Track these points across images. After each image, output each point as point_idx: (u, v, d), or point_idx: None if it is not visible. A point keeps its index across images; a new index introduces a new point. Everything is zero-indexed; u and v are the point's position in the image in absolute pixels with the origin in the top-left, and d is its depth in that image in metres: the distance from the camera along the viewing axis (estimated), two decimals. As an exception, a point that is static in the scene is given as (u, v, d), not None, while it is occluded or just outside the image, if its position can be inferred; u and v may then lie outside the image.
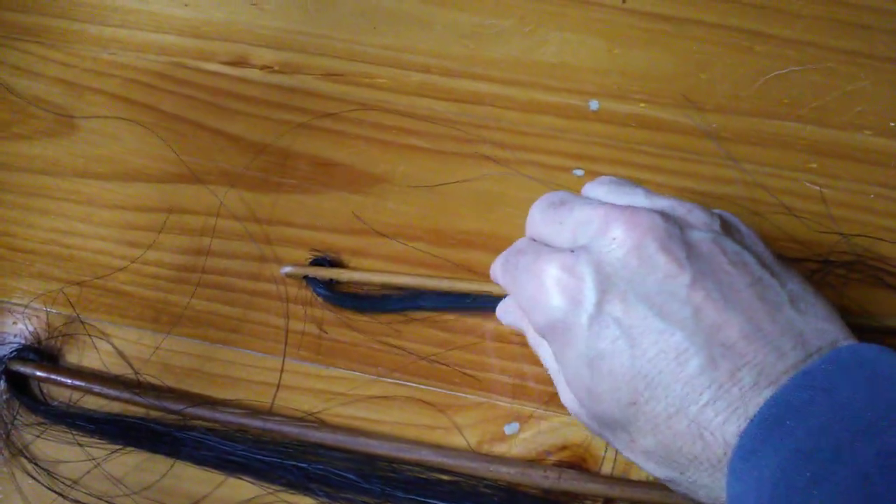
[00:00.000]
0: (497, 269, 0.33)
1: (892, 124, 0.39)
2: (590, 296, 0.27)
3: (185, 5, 0.43)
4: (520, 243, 0.32)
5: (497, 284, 0.34)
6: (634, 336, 0.26)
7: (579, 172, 0.40)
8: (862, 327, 0.35)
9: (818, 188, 0.39)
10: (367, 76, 0.42)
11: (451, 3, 0.42)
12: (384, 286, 0.40)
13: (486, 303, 0.38)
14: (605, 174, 0.39)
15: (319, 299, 0.40)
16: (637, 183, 0.31)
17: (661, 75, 0.40)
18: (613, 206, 0.29)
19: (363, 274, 0.40)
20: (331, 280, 0.40)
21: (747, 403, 0.24)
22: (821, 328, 0.26)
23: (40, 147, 0.43)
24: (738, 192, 0.39)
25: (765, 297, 0.26)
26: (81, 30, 0.44)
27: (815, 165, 0.39)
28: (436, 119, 0.41)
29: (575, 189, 0.39)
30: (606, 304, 0.27)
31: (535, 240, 0.32)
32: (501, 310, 0.36)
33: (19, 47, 0.44)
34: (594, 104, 0.40)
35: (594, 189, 0.32)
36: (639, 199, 0.30)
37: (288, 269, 0.40)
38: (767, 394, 0.24)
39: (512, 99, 0.41)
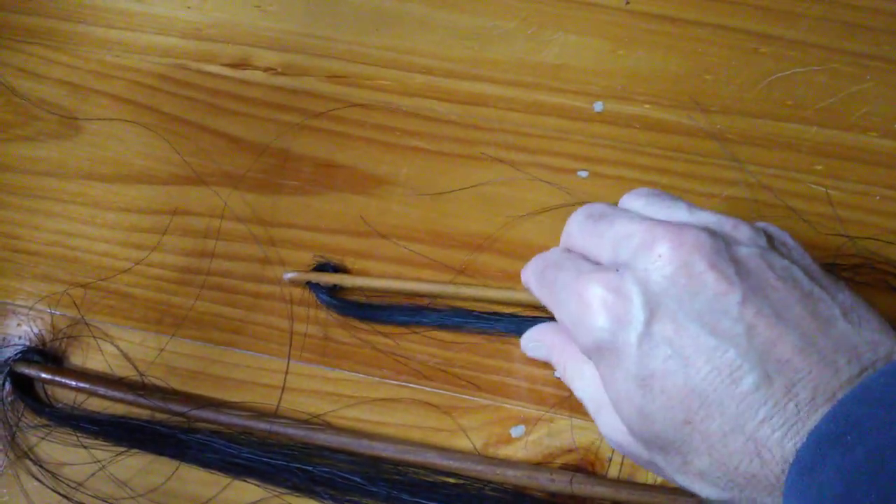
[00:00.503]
0: (531, 281, 0.33)
1: (898, 125, 0.39)
2: (638, 315, 0.26)
3: (189, 7, 0.43)
4: (554, 255, 0.32)
5: (504, 290, 0.34)
6: (687, 354, 0.26)
7: (584, 174, 0.40)
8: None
9: (824, 190, 0.38)
10: (369, 78, 0.42)
11: (453, 4, 0.42)
12: (388, 291, 0.40)
13: (491, 324, 0.38)
14: (611, 175, 0.40)
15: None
16: (677, 196, 0.31)
17: (665, 77, 0.40)
18: (656, 221, 0.28)
19: (367, 280, 0.40)
20: (334, 286, 0.40)
21: (804, 419, 0.24)
22: (875, 340, 0.26)
23: (45, 149, 0.43)
24: (743, 193, 0.39)
25: (816, 311, 0.26)
26: (86, 32, 0.44)
27: (820, 167, 0.39)
28: (439, 120, 0.41)
29: (581, 190, 0.40)
30: (656, 324, 0.26)
31: (570, 251, 0.32)
32: (530, 345, 0.36)
33: (24, 49, 0.44)
34: (599, 105, 0.40)
35: (632, 201, 0.31)
36: (681, 212, 0.29)
37: (291, 275, 0.40)
38: (824, 410, 0.24)
39: (516, 100, 0.41)
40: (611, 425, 0.30)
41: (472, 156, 0.41)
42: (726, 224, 0.29)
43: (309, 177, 0.42)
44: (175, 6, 0.44)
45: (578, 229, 0.31)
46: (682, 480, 0.28)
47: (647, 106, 0.40)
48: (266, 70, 0.43)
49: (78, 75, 0.44)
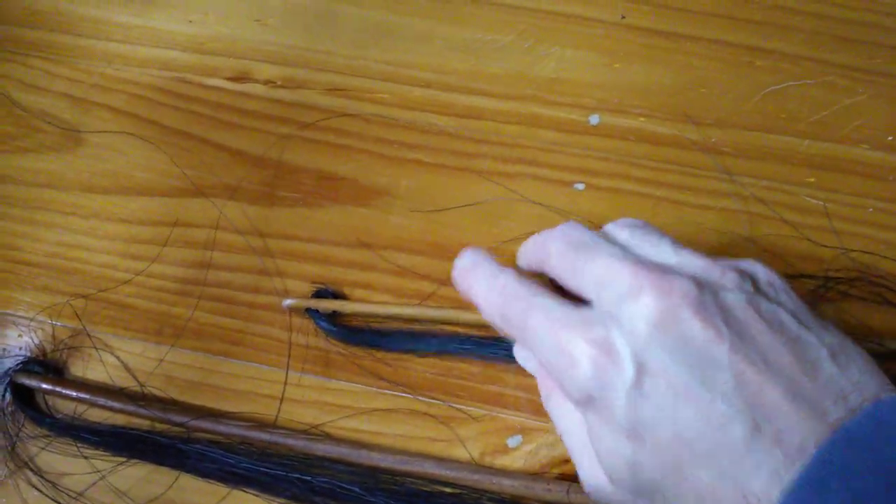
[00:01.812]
0: (492, 316, 0.31)
1: (890, 138, 0.39)
2: (628, 369, 0.26)
3: (189, 21, 0.44)
4: (512, 284, 0.30)
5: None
6: (677, 406, 0.25)
7: (580, 186, 0.40)
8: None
9: (819, 202, 0.39)
10: (369, 91, 0.42)
11: (451, 19, 0.42)
12: (388, 317, 0.40)
13: (492, 351, 0.38)
14: (607, 187, 0.40)
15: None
16: (662, 231, 0.30)
17: (660, 90, 0.41)
18: (641, 264, 0.27)
19: (366, 305, 0.40)
20: (333, 312, 0.40)
21: (792, 466, 0.24)
22: (861, 381, 0.26)
23: (46, 161, 0.44)
24: (737, 205, 0.39)
25: (804, 355, 0.26)
26: (88, 45, 0.44)
27: (813, 179, 0.39)
28: (437, 133, 0.42)
29: (576, 205, 0.40)
30: (645, 376, 0.26)
31: (528, 277, 0.30)
32: (521, 354, 0.35)
33: (26, 62, 0.45)
34: (594, 118, 0.41)
35: (616, 231, 0.31)
36: (665, 251, 0.29)
37: (290, 302, 0.40)
38: (811, 455, 0.24)
39: (512, 113, 0.41)
40: (592, 472, 0.29)
41: (470, 168, 0.41)
42: (712, 270, 0.28)
43: (309, 189, 0.42)
44: (176, 20, 0.44)
45: (558, 258, 0.30)
46: None
47: (642, 119, 0.40)
48: (266, 83, 0.43)
49: (79, 88, 0.44)
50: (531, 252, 0.32)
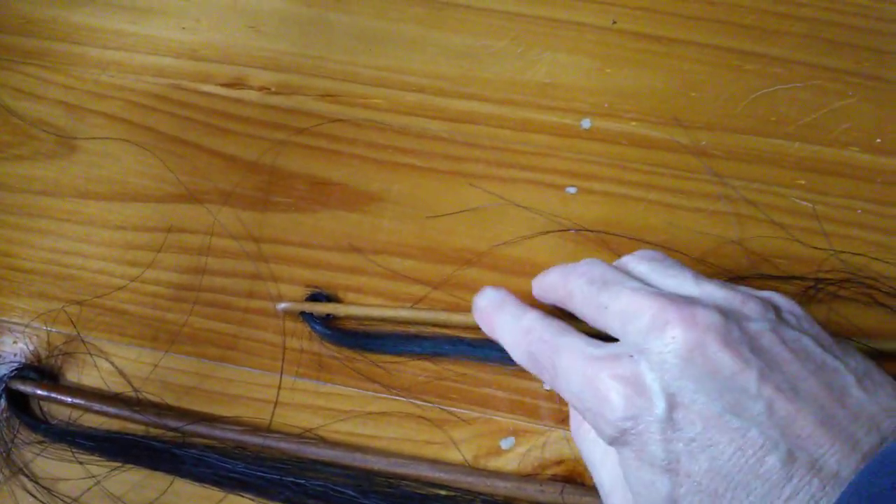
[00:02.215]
0: (518, 355, 0.31)
1: (879, 141, 0.39)
2: (659, 404, 0.26)
3: (183, 28, 0.44)
4: (537, 325, 0.30)
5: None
6: (710, 437, 0.25)
7: (572, 190, 0.40)
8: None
9: (809, 205, 0.39)
10: (362, 97, 0.43)
11: (444, 24, 0.43)
12: (382, 320, 0.40)
13: (485, 352, 0.38)
14: (599, 191, 0.40)
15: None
16: (682, 263, 0.31)
17: (651, 94, 0.41)
18: (666, 298, 0.28)
19: (360, 308, 0.40)
20: (328, 315, 0.40)
21: (828, 494, 0.24)
22: (891, 406, 0.26)
23: (41, 168, 0.44)
24: (727, 208, 0.39)
25: (831, 382, 0.26)
26: (82, 53, 0.45)
27: (803, 182, 0.39)
28: (430, 138, 0.42)
29: (568, 209, 0.40)
30: (677, 409, 0.26)
31: (550, 315, 0.30)
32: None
33: (21, 70, 0.45)
34: (586, 123, 0.41)
35: (635, 264, 0.31)
36: (687, 283, 0.29)
37: (284, 306, 0.41)
38: (847, 483, 0.24)
39: (505, 118, 0.42)
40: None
41: (462, 172, 0.41)
42: (735, 299, 0.28)
43: (302, 194, 0.42)
44: (170, 27, 0.44)
45: (581, 296, 0.30)
46: None
47: (633, 123, 0.41)
48: (260, 89, 0.43)
49: (74, 95, 0.44)
50: (551, 289, 0.32)
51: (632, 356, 0.27)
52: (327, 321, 0.40)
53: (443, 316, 0.38)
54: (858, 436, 0.25)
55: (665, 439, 0.26)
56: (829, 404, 0.25)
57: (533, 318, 0.31)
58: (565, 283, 0.31)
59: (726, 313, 0.27)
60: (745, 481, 0.25)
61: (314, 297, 0.41)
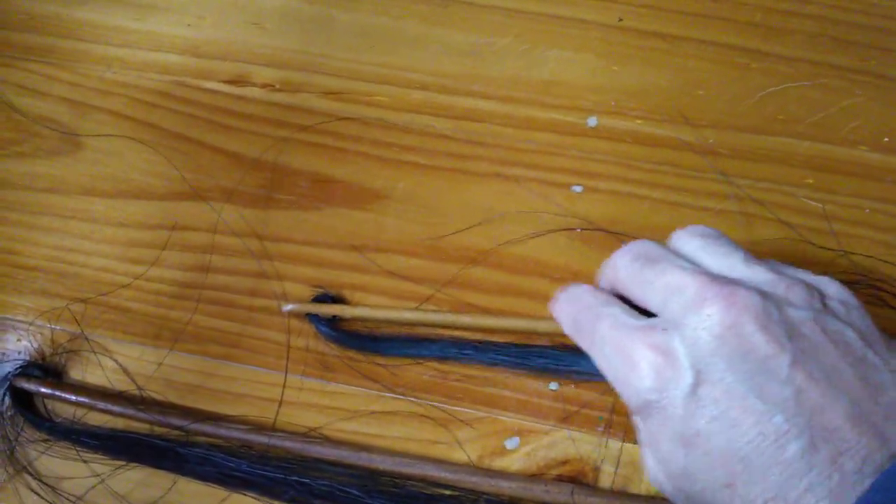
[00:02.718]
0: (565, 323, 0.32)
1: (887, 139, 0.39)
2: (686, 376, 0.26)
3: (187, 25, 0.44)
4: (587, 297, 0.31)
5: (502, 319, 0.32)
6: (733, 416, 0.25)
7: (578, 188, 0.40)
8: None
9: (818, 204, 0.39)
10: (366, 94, 0.42)
11: (448, 22, 0.42)
12: (389, 322, 0.40)
13: (491, 357, 0.38)
14: (605, 189, 0.40)
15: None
16: (735, 243, 0.30)
17: (657, 92, 0.41)
18: (709, 277, 0.28)
19: (367, 310, 0.40)
20: (334, 317, 0.40)
21: (849, 491, 0.24)
22: None
23: (45, 165, 0.44)
24: (735, 207, 0.39)
25: (868, 377, 0.26)
26: (86, 49, 0.45)
27: (811, 180, 0.39)
28: (435, 136, 0.42)
29: (574, 207, 0.40)
30: (703, 385, 0.26)
31: (604, 291, 0.31)
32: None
33: (25, 67, 0.45)
34: (592, 121, 0.41)
35: (687, 241, 0.31)
36: (737, 264, 0.29)
37: (290, 307, 0.40)
38: (870, 481, 0.23)
39: (510, 116, 0.41)
40: (657, 474, 0.29)
41: (467, 170, 0.41)
42: (780, 284, 0.28)
43: (306, 192, 0.42)
44: (173, 24, 0.44)
45: (627, 272, 0.30)
46: None
47: (639, 121, 0.40)
48: (263, 86, 0.43)
49: (78, 92, 0.44)
50: (604, 272, 0.32)
51: (666, 329, 0.27)
52: (333, 322, 0.40)
53: (450, 317, 0.38)
54: (888, 435, 0.24)
55: (687, 413, 0.26)
56: (862, 399, 0.25)
57: (585, 289, 0.32)
58: (614, 260, 0.31)
59: (767, 296, 0.27)
60: (763, 466, 0.25)
61: (320, 299, 0.40)
